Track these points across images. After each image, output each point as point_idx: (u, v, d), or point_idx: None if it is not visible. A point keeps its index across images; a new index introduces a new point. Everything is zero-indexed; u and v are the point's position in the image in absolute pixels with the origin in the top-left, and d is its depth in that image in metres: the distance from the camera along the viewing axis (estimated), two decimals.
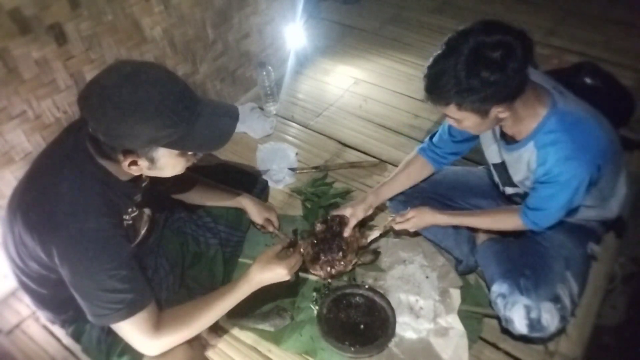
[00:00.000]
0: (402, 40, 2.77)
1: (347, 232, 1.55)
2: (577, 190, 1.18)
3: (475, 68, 1.04)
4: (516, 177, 1.35)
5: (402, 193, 1.61)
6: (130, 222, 1.15)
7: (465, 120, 1.16)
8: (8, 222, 1.05)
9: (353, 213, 1.56)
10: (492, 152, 1.41)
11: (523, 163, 1.27)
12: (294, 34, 2.43)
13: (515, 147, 1.26)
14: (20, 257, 1.06)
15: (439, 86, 1.10)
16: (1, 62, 1.31)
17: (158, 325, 1.06)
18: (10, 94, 1.36)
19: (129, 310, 1.00)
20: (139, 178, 1.13)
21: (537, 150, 1.20)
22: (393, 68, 2.57)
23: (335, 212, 1.60)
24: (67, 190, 0.98)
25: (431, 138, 1.55)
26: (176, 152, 1.00)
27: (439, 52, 1.10)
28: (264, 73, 2.18)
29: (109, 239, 0.99)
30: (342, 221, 1.61)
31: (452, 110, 1.14)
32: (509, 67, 1.03)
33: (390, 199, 1.64)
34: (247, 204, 1.59)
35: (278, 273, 1.19)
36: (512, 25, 1.06)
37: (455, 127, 1.24)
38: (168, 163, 1.01)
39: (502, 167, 1.40)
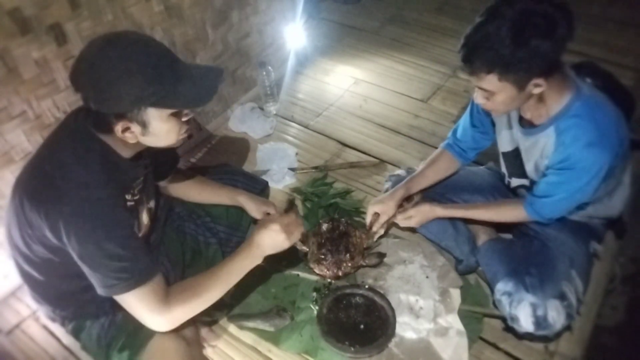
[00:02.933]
0: (402, 40, 2.77)
1: (376, 227, 1.56)
2: (593, 178, 1.17)
3: (523, 35, 1.01)
4: (529, 165, 1.34)
5: None
6: (133, 203, 1.16)
7: (500, 92, 1.13)
8: (12, 208, 1.06)
9: (385, 210, 1.55)
10: (504, 140, 1.40)
11: (538, 149, 1.25)
12: (294, 34, 2.43)
13: (534, 132, 1.24)
14: (24, 241, 1.06)
15: (480, 55, 1.06)
16: (1, 62, 1.31)
17: (167, 298, 1.06)
18: (10, 94, 1.36)
19: (136, 280, 1.01)
20: (139, 157, 1.13)
21: (557, 135, 1.18)
22: (393, 68, 2.57)
23: (369, 211, 1.57)
24: (70, 165, 0.99)
25: (454, 134, 1.55)
26: (166, 113, 1.00)
27: (479, 19, 1.07)
28: (264, 73, 2.17)
29: (112, 208, 1.01)
30: (349, 223, 1.62)
31: (490, 80, 1.10)
32: (558, 35, 1.00)
33: None
34: (243, 200, 1.58)
35: (274, 230, 1.16)
36: None
37: (483, 104, 1.20)
38: (160, 127, 1.02)
39: (512, 155, 1.39)
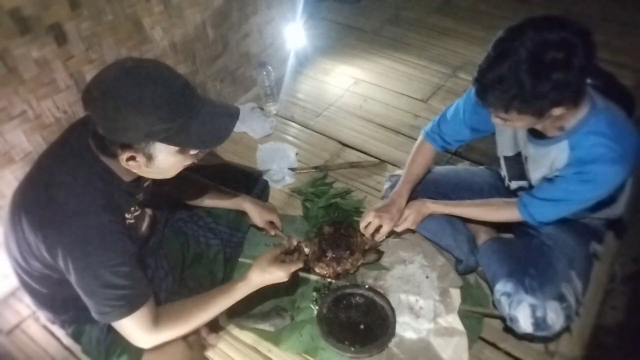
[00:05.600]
0: (402, 40, 2.77)
1: (378, 237, 1.55)
2: (607, 192, 1.17)
3: (543, 72, 0.98)
4: (534, 173, 1.32)
5: None
6: (133, 221, 1.15)
7: (519, 121, 1.11)
8: (11, 221, 1.06)
9: (391, 222, 1.53)
10: (506, 144, 1.39)
11: (548, 160, 1.24)
12: (294, 34, 2.43)
13: (545, 144, 1.22)
14: (22, 256, 1.06)
15: (496, 95, 1.04)
16: (1, 62, 1.31)
17: (156, 320, 1.07)
18: (10, 94, 1.36)
19: (129, 307, 1.01)
20: (141, 178, 1.13)
21: (570, 149, 1.17)
22: (393, 68, 2.57)
23: (371, 221, 1.54)
24: (70, 189, 0.98)
25: (439, 125, 1.52)
26: (174, 149, 1.00)
27: (492, 53, 1.03)
28: (264, 73, 2.18)
29: (110, 236, 1.00)
30: (350, 225, 1.61)
31: (508, 114, 1.08)
32: (578, 61, 0.97)
33: None
34: (248, 206, 1.59)
35: (277, 276, 1.21)
36: (568, 20, 0.99)
37: (501, 124, 1.17)
38: (166, 161, 1.01)
39: (514, 161, 1.38)
